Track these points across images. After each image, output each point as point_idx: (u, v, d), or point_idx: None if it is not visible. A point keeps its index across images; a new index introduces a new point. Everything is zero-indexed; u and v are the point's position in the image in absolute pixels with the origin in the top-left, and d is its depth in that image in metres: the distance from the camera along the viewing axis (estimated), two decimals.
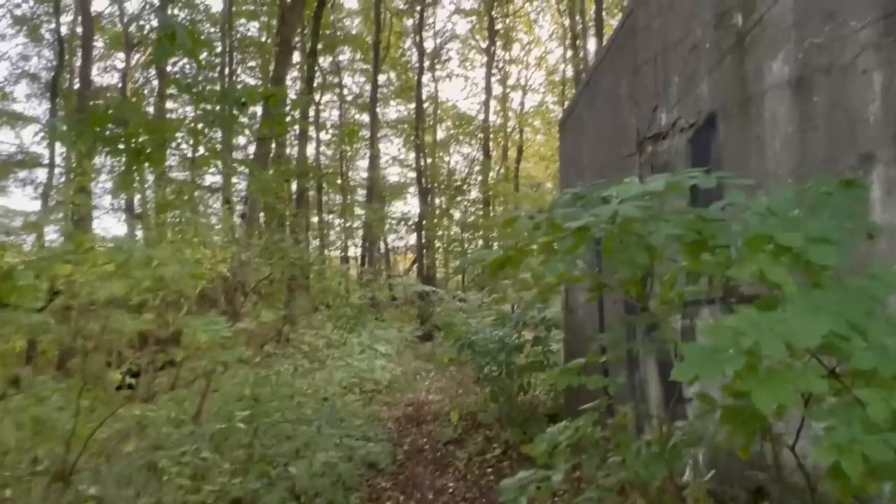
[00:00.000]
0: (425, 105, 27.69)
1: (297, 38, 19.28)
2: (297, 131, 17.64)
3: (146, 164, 5.92)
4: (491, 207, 22.51)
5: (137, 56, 22.44)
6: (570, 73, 27.54)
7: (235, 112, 5.81)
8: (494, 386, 5.65)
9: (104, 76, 24.57)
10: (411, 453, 6.24)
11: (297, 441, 5.20)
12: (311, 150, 29.54)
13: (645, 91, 4.90)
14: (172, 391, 6.49)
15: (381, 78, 29.92)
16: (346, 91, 32.03)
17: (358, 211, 30.99)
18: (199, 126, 6.57)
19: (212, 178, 17.92)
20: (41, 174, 19.45)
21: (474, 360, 5.61)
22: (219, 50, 17.48)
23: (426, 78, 29.80)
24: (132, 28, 21.41)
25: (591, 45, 22.22)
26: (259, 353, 7.96)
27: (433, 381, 12.42)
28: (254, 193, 9.12)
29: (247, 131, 12.78)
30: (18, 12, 20.43)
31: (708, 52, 4.27)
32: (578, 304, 6.24)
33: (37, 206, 17.80)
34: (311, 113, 29.36)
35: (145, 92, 23.23)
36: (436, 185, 26.82)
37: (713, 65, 4.24)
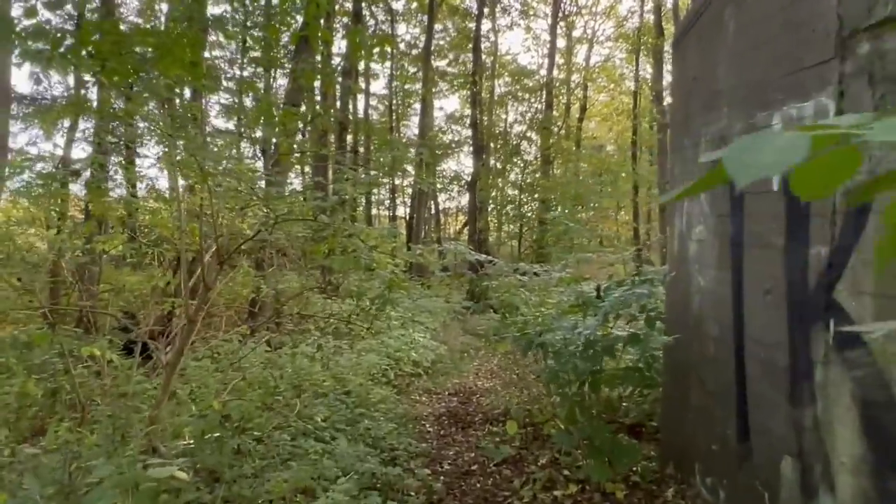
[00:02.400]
0: (483, 58, 25.56)
1: None
2: (342, 77, 16.01)
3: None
4: (551, 167, 20.45)
5: None
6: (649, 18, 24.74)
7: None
8: (572, 401, 4.01)
9: None
10: (453, 479, 4.66)
11: (294, 471, 3.67)
12: (361, 103, 27.99)
13: None
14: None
15: (437, 27, 27.87)
16: (400, 41, 30.10)
17: (409, 169, 29.46)
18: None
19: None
20: None
21: (547, 368, 3.95)
22: None
23: (486, 28, 27.59)
24: None
25: None
26: (266, 331, 6.52)
27: (483, 360, 10.85)
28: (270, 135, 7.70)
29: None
30: None
31: None
32: (695, 287, 4.45)
33: None
34: (361, 65, 27.71)
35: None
36: (492, 143, 24.87)
37: None
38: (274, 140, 7.67)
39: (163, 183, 10.96)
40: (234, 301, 8.73)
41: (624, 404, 5.22)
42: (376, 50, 5.26)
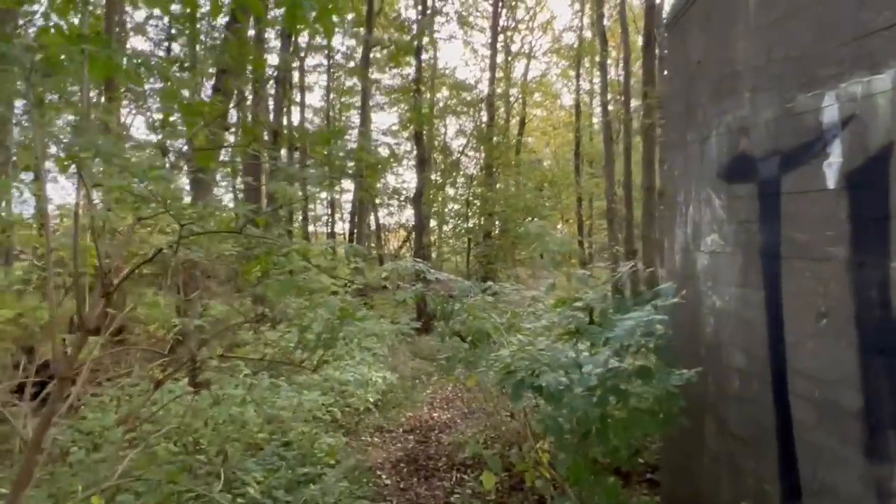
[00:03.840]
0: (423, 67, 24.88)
1: None
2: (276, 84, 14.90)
3: None
4: (494, 180, 19.87)
5: None
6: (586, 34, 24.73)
7: None
8: (577, 455, 3.19)
9: None
10: None
11: None
12: (296, 116, 26.77)
13: None
14: None
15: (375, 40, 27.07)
16: (336, 53, 29.12)
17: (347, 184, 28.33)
18: None
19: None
20: None
21: (548, 418, 3.10)
22: None
23: (425, 40, 26.98)
24: None
25: None
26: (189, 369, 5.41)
27: (436, 387, 9.96)
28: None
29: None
30: None
31: None
32: (707, 308, 3.75)
33: None
34: (295, 76, 26.54)
35: None
36: (433, 156, 24.16)
37: None
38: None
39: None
40: (152, 333, 7.54)
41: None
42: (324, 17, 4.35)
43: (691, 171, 3.96)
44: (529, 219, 16.26)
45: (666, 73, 4.25)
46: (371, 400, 7.10)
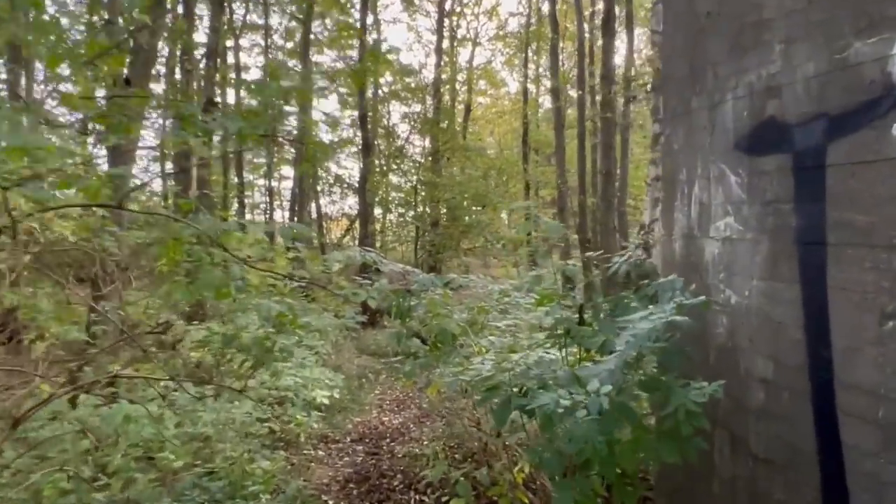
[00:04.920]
0: (368, 66, 23.84)
1: None
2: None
3: None
4: (442, 166, 19.18)
5: None
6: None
7: None
8: (576, 493, 2.55)
9: None
10: None
11: None
12: (231, 98, 25.25)
13: None
14: None
15: (315, 23, 25.82)
16: (274, 33, 27.62)
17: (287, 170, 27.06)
18: None
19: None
20: None
21: (547, 451, 2.43)
22: None
23: (368, 21, 25.90)
24: None
25: None
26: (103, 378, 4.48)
27: (385, 386, 9.23)
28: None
29: None
30: None
31: None
32: (718, 305, 3.17)
33: None
34: (230, 57, 25.01)
35: None
36: (378, 142, 23.23)
37: None
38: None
39: None
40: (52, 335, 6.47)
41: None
42: None
43: (697, 144, 3.37)
44: (479, 207, 15.67)
45: (659, 31, 3.63)
46: (314, 402, 6.31)
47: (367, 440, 6.38)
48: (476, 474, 4.12)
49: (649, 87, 13.41)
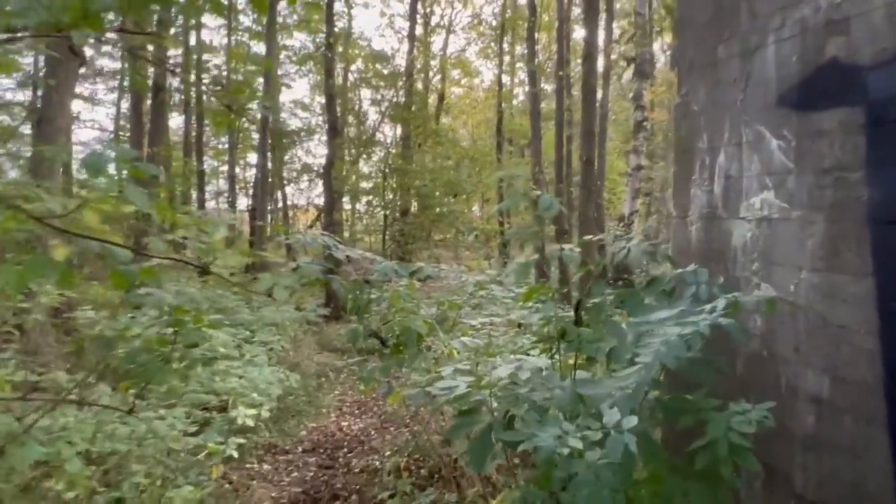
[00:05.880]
0: (337, 31, 22.84)
1: None
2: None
3: None
4: (414, 153, 18.42)
5: None
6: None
7: None
8: None
9: None
10: None
11: None
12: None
13: None
14: None
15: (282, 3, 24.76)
16: (239, 16, 26.41)
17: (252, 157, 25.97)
18: None
19: None
20: None
21: (528, 494, 1.80)
22: None
23: (339, 6, 24.91)
24: None
25: None
26: None
27: (346, 385, 8.50)
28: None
29: None
30: None
31: None
32: (752, 303, 2.52)
33: None
34: (192, 37, 23.76)
35: None
36: (346, 129, 22.34)
37: None
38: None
39: None
40: None
41: None
42: None
43: (724, 103, 2.72)
44: (451, 197, 14.99)
45: None
46: (260, 409, 5.55)
47: (321, 450, 5.65)
48: (444, 502, 3.44)
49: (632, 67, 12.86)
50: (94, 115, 47.70)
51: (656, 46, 17.91)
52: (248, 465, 5.04)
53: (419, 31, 27.03)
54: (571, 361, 2.72)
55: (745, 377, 2.56)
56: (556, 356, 2.58)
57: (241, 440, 4.54)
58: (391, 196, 16.86)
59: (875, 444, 2.01)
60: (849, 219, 2.10)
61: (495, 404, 2.11)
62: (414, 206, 17.72)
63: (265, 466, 5.10)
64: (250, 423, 4.81)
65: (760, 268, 2.50)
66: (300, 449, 5.67)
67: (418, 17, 26.54)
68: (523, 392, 2.03)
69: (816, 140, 2.23)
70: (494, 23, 26.97)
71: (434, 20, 29.00)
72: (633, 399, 1.84)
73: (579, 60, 12.14)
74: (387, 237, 17.04)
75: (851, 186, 2.09)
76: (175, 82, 18.57)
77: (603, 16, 13.32)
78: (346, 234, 22.56)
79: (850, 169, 2.09)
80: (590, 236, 4.27)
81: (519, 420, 1.93)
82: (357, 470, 4.99)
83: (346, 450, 5.63)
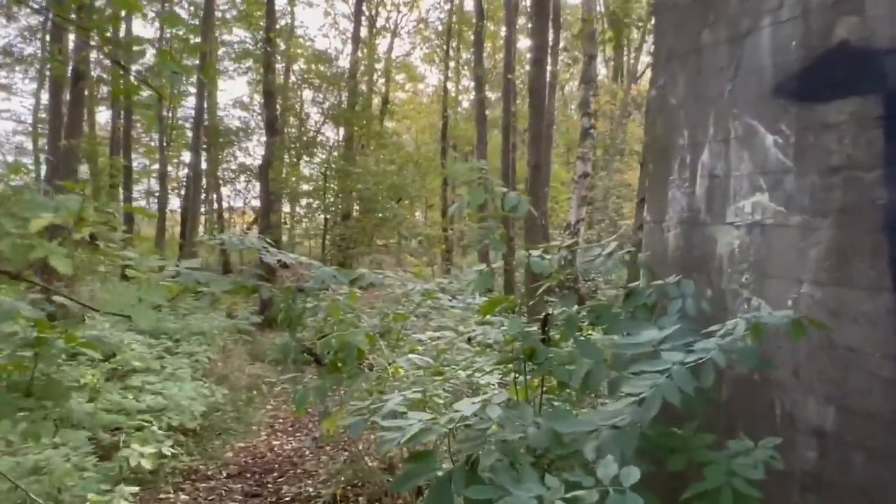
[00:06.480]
0: (278, 27, 22.03)
1: None
2: None
3: None
4: (357, 154, 17.88)
5: None
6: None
7: None
8: None
9: None
10: None
11: None
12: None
13: None
14: None
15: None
16: (175, 5, 25.16)
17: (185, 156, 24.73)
18: None
19: None
20: None
21: None
22: None
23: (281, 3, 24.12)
24: None
25: None
26: None
27: (281, 400, 7.91)
28: None
29: None
30: None
31: None
32: (754, 319, 2.22)
33: None
34: (122, 27, 22.46)
35: None
36: (287, 130, 21.55)
37: None
38: None
39: None
40: None
41: None
42: None
43: (708, 94, 2.43)
44: (395, 201, 14.55)
45: None
46: (180, 426, 4.97)
47: (248, 475, 5.12)
48: None
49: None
50: (11, 106, 45.17)
51: (598, 59, 18.07)
52: (162, 496, 4.46)
53: (364, 32, 26.50)
54: (534, 384, 2.37)
55: (732, 404, 2.26)
56: (520, 378, 2.22)
57: (134, 489, 3.91)
58: (332, 199, 16.25)
59: (892, 486, 1.73)
60: (861, 225, 1.82)
61: (455, 446, 1.73)
62: (356, 210, 17.18)
63: (182, 496, 4.53)
64: (147, 464, 4.19)
65: (751, 280, 2.21)
66: (224, 474, 5.11)
67: (363, 18, 26.02)
68: (490, 431, 1.66)
69: (821, 135, 1.95)
70: (440, 28, 26.80)
71: (379, 22, 28.52)
72: (626, 441, 1.49)
73: (527, 66, 12.02)
74: (327, 241, 16.42)
75: (865, 187, 1.81)
76: (100, 72, 17.40)
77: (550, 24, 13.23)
78: (285, 238, 21.75)
79: (864, 167, 1.82)
80: (555, 243, 3.97)
81: (487, 468, 1.55)
82: (288, 498, 4.49)
83: (276, 474, 5.11)
